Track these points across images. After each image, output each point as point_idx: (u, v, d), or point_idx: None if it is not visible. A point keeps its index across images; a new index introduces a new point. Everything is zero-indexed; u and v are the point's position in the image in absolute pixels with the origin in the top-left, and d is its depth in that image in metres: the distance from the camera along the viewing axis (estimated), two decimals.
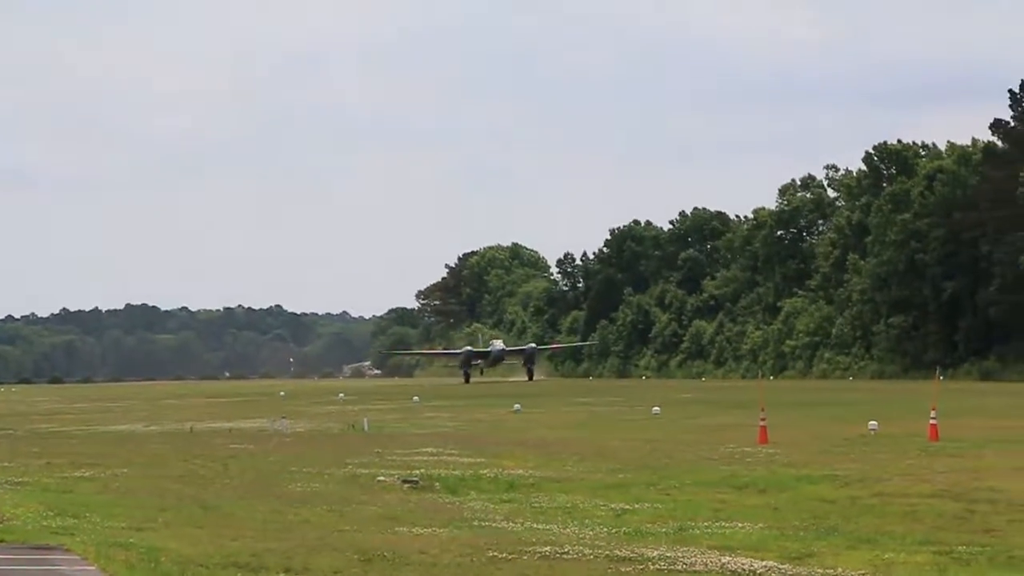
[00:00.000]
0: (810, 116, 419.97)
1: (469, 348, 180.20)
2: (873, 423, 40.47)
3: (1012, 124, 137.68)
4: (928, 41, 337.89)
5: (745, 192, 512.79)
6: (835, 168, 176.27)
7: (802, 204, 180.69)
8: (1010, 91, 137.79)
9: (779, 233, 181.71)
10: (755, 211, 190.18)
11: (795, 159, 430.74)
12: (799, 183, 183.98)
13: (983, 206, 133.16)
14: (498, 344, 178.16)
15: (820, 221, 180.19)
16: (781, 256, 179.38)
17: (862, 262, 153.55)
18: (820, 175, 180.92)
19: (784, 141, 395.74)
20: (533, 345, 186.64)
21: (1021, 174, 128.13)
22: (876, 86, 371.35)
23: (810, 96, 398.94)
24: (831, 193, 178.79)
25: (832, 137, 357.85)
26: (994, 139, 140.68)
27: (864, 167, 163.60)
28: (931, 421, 37.28)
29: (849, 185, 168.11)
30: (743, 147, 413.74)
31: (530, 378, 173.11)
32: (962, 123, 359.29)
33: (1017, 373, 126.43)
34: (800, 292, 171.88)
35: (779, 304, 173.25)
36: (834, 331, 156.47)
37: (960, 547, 16.95)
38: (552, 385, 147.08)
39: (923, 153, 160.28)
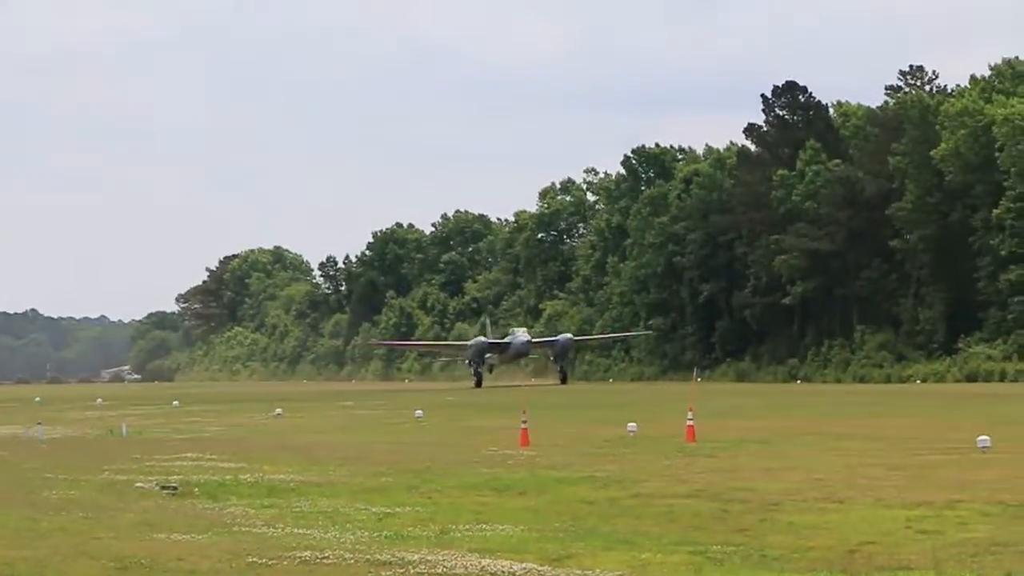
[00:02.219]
0: (570, 120, 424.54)
1: (482, 338, 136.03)
2: (632, 425, 41.03)
3: (765, 128, 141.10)
4: (686, 47, 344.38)
5: (507, 196, 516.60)
6: (594, 172, 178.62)
7: (562, 207, 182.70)
8: (763, 96, 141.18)
9: (540, 236, 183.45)
10: (516, 214, 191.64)
11: (556, 163, 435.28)
12: (559, 186, 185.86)
13: (738, 209, 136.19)
14: (522, 335, 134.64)
15: (580, 224, 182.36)
16: (542, 258, 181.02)
17: (621, 265, 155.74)
18: (580, 179, 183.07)
19: (545, 145, 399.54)
20: (568, 336, 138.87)
21: (774, 178, 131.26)
22: (634, 91, 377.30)
23: (570, 101, 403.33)
24: (591, 196, 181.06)
25: (592, 141, 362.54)
26: (748, 143, 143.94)
27: (623, 170, 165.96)
28: (688, 422, 37.95)
29: (608, 188, 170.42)
30: (504, 151, 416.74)
31: (563, 380, 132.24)
32: (718, 127, 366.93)
33: (771, 373, 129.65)
34: (561, 294, 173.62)
35: (540, 306, 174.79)
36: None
37: (715, 546, 17.25)
38: (316, 389, 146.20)
39: (680, 157, 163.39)
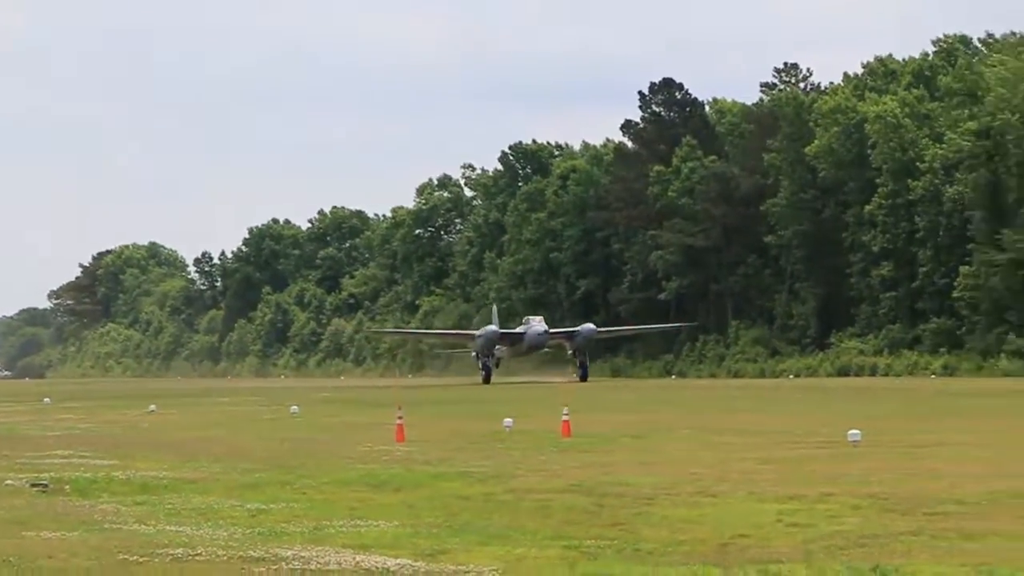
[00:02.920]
0: (448, 116, 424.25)
1: (494, 327, 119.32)
2: (508, 420, 41.08)
3: (642, 125, 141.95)
4: (563, 44, 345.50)
5: (384, 192, 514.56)
6: (472, 168, 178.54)
7: (440, 203, 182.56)
8: (640, 93, 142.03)
9: (417, 232, 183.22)
10: (394, 210, 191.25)
11: (434, 159, 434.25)
12: (436, 182, 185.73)
13: (615, 205, 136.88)
14: (537, 324, 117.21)
15: (457, 220, 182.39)
16: (419, 254, 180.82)
17: (499, 260, 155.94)
18: (457, 175, 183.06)
19: (422, 141, 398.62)
20: (591, 326, 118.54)
21: (651, 174, 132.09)
22: (511, 87, 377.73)
23: (448, 97, 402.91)
24: (468, 192, 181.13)
25: (469, 137, 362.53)
26: (625, 140, 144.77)
27: (500, 167, 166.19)
28: (564, 417, 38.05)
29: (485, 184, 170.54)
30: (382, 147, 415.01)
31: (583, 376, 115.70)
32: (596, 124, 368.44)
33: (645, 369, 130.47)
34: (438, 290, 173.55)
35: (417, 302, 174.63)
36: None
37: (589, 541, 17.31)
38: (191, 385, 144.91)
39: (557, 153, 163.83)
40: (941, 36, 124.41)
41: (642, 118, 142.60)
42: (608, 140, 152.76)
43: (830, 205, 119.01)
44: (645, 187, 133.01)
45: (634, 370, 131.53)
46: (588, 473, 26.18)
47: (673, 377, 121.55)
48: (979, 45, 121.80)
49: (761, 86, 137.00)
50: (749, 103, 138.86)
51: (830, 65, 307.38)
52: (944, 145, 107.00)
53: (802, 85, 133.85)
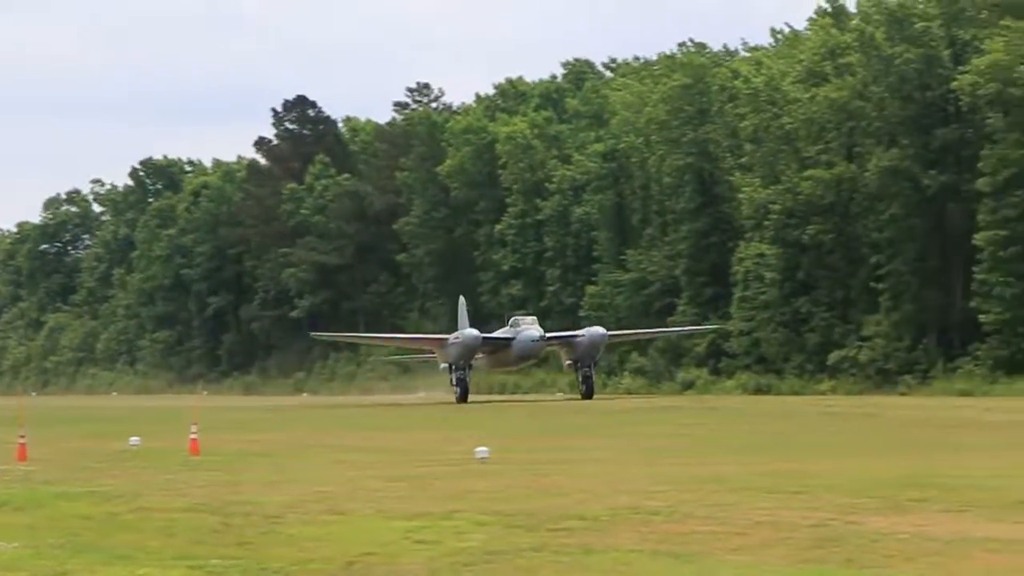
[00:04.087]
0: (78, 129, 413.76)
1: (474, 331, 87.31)
2: (135, 438, 40.27)
3: (275, 142, 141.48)
4: (197, 57, 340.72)
5: (9, 206, 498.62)
6: (101, 183, 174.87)
7: (68, 218, 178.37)
8: (273, 109, 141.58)
9: (43, 247, 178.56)
10: (18, 224, 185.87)
11: (62, 173, 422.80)
12: (64, 197, 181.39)
13: (248, 222, 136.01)
14: (530, 328, 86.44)
15: (85, 236, 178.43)
16: (46, 271, 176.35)
17: (128, 277, 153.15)
18: (87, 189, 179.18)
19: (50, 154, 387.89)
20: (600, 330, 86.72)
21: (284, 191, 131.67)
22: (144, 102, 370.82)
23: (79, 109, 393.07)
24: (97, 208, 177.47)
25: (100, 152, 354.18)
26: (258, 157, 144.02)
27: (131, 182, 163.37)
28: (192, 435, 37.52)
29: (115, 200, 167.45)
30: (6, 159, 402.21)
31: (588, 391, 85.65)
32: (229, 140, 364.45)
33: (278, 386, 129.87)
34: (65, 307, 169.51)
35: (43, 319, 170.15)
36: (99, 346, 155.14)
37: (215, 560, 17.07)
38: None
39: (189, 169, 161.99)
40: (570, 60, 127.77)
41: (275, 135, 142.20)
42: (241, 157, 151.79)
43: (462, 224, 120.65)
44: (278, 204, 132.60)
45: (265, 388, 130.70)
46: (215, 492, 25.84)
47: (305, 395, 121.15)
48: (603, 69, 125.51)
49: (394, 105, 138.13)
50: (382, 122, 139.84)
51: (462, 86, 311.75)
52: (572, 166, 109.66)
53: (434, 105, 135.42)
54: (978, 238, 77.24)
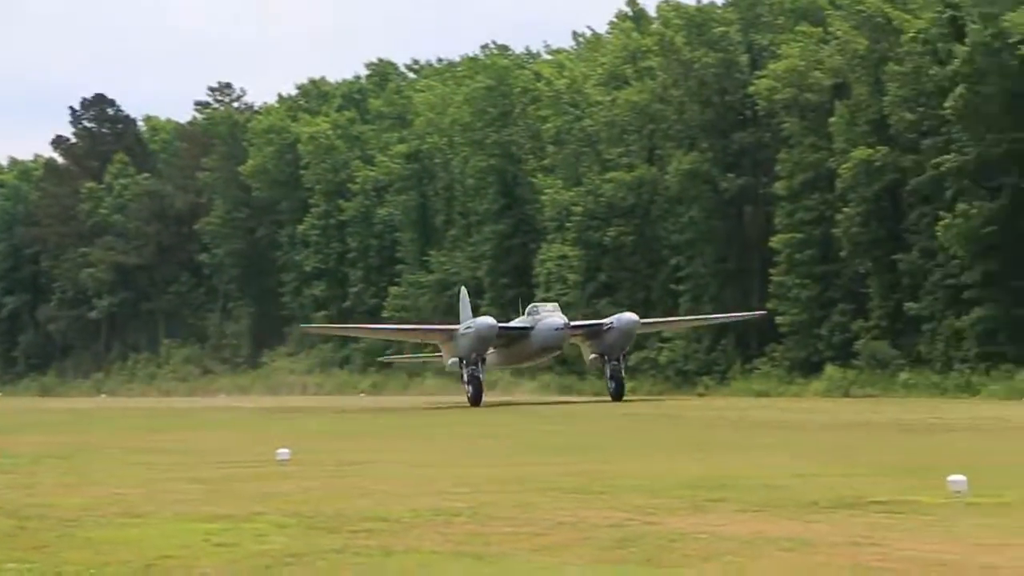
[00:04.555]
0: None
1: (490, 320, 73.20)
2: None
3: (73, 141, 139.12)
4: None
5: None
6: None
7: None
8: (71, 108, 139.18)
9: None
10: None
11: None
12: None
13: (45, 222, 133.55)
14: (552, 315, 72.55)
15: None
16: None
17: None
18: None
19: None
20: (632, 317, 73.16)
21: (82, 190, 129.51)
22: None
23: None
24: None
25: None
26: (55, 155, 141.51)
27: None
28: None
29: None
30: None
31: (618, 390, 72.85)
32: (25, 139, 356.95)
33: (75, 388, 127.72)
34: None
35: None
36: None
37: (10, 564, 16.69)
38: None
39: None
40: (374, 60, 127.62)
41: (73, 133, 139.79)
42: (38, 155, 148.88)
43: (264, 224, 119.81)
44: (76, 203, 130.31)
45: (63, 389, 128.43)
46: (9, 495, 25.25)
47: (103, 396, 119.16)
48: (406, 71, 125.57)
49: (195, 104, 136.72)
50: (183, 121, 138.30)
51: (265, 86, 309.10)
52: (375, 167, 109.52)
53: (236, 104, 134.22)
54: (775, 241, 78.82)
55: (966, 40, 70.78)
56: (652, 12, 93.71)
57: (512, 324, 73.87)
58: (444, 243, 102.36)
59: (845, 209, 75.13)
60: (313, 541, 18.05)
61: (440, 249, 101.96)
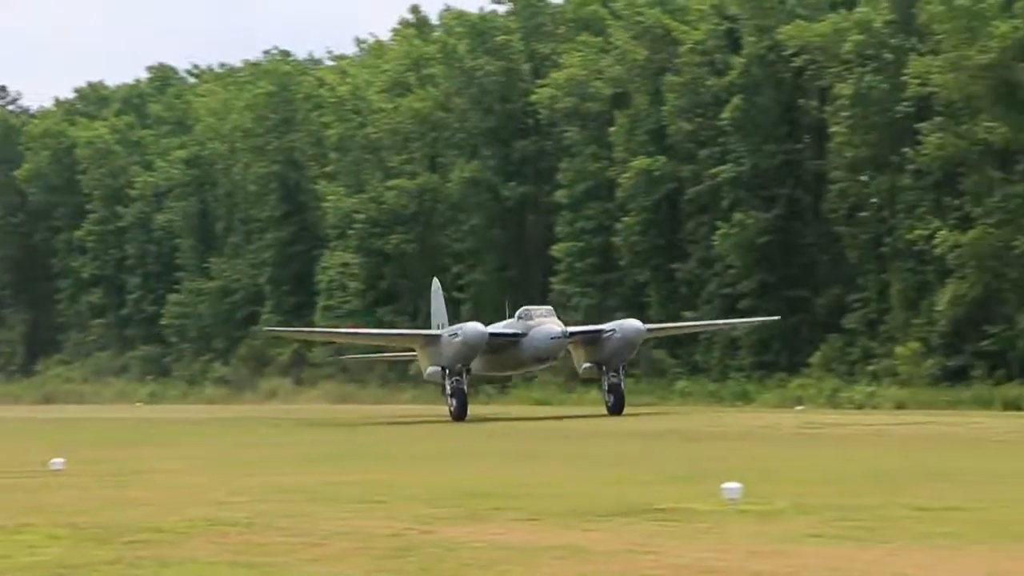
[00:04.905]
0: None
1: (477, 327, 60.36)
2: None
3: None
4: None
5: None
6: None
7: None
8: None
9: None
10: None
11: None
12: None
13: None
14: (547, 322, 60.70)
15: None
16: None
17: None
18: None
19: None
20: (636, 324, 62.72)
21: None
22: None
23: None
24: None
25: None
26: None
27: None
28: None
29: None
30: None
31: (618, 404, 61.94)
32: None
33: None
34: None
35: None
36: None
37: None
38: None
39: None
40: (154, 64, 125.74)
41: None
42: None
43: (40, 230, 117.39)
44: None
45: None
46: None
47: None
48: (186, 75, 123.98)
49: None
50: None
51: (41, 89, 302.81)
52: (155, 173, 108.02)
53: (11, 108, 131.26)
54: (556, 249, 79.54)
55: (742, 52, 72.45)
56: (435, 20, 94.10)
57: (501, 330, 62.07)
58: (225, 249, 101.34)
59: (625, 218, 76.12)
60: (87, 552, 17.72)
61: (221, 256, 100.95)
